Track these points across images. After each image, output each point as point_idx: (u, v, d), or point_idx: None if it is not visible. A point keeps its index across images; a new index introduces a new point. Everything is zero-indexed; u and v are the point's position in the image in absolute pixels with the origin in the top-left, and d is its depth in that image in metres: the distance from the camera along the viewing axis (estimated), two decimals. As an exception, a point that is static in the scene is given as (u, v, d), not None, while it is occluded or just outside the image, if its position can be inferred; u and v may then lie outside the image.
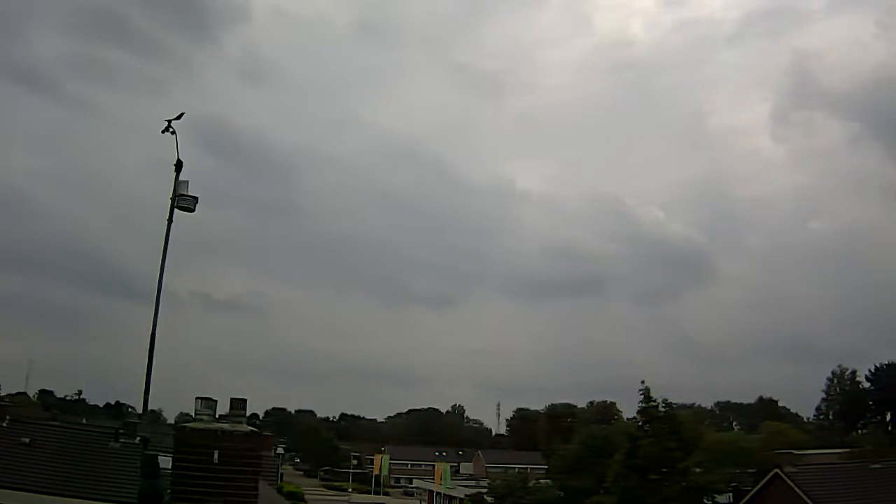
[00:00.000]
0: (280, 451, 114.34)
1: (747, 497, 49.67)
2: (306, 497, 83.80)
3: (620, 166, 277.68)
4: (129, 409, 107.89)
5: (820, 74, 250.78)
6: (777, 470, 44.87)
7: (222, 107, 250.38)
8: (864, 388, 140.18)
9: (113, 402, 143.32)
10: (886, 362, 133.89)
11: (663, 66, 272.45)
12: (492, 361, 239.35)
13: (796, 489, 42.41)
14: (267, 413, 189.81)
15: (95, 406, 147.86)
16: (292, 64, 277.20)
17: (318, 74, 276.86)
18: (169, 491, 11.40)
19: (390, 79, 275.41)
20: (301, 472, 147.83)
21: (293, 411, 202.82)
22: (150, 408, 23.79)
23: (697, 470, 62.71)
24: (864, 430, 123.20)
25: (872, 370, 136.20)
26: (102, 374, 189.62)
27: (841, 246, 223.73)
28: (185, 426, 11.40)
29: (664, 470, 58.01)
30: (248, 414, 12.25)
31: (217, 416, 11.92)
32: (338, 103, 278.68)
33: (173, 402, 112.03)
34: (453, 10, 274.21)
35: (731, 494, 64.76)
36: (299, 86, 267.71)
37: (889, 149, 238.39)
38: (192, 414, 11.86)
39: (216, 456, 10.85)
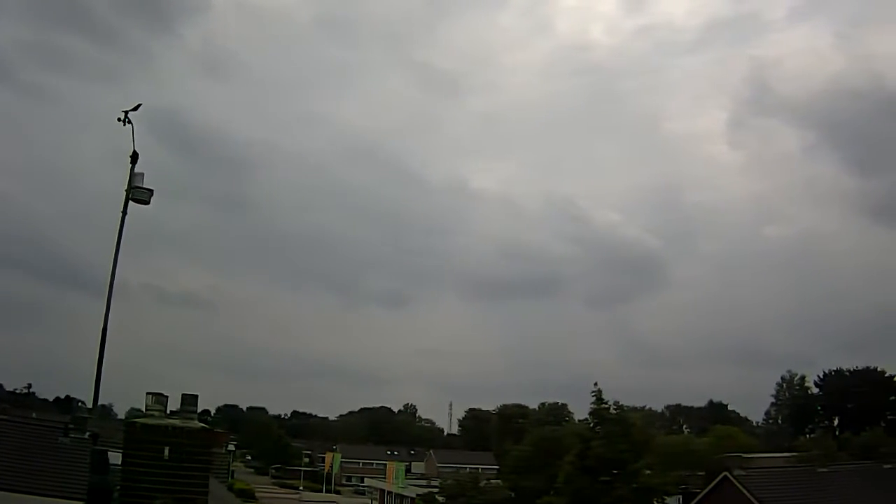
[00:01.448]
0: (231, 448, 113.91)
1: (696, 499, 50.14)
2: (257, 495, 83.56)
3: (578, 168, 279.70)
4: (80, 404, 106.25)
5: (778, 83, 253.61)
6: (726, 473, 45.27)
7: (181, 99, 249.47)
8: (812, 394, 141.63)
9: (63, 397, 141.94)
10: (835, 369, 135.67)
11: (623, 70, 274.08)
12: (445, 361, 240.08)
13: (745, 492, 42.81)
14: (218, 409, 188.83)
15: (45, 400, 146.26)
16: (252, 58, 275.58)
17: (278, 69, 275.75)
18: (119, 487, 11.30)
19: (351, 76, 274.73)
20: (252, 470, 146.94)
21: (245, 408, 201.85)
22: (100, 402, 23.61)
23: (648, 472, 63.06)
24: (812, 435, 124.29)
25: (821, 376, 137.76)
26: (53, 368, 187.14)
27: (794, 253, 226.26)
28: (135, 422, 11.32)
29: (615, 471, 58.31)
30: (199, 410, 12.20)
31: (168, 411, 11.85)
32: (297, 99, 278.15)
33: (124, 397, 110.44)
34: (415, 9, 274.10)
35: (680, 497, 65.16)
36: (259, 80, 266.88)
37: (844, 158, 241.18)
38: (144, 409, 11.79)
39: (167, 452, 10.79)
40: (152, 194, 19.22)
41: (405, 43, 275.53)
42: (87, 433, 32.17)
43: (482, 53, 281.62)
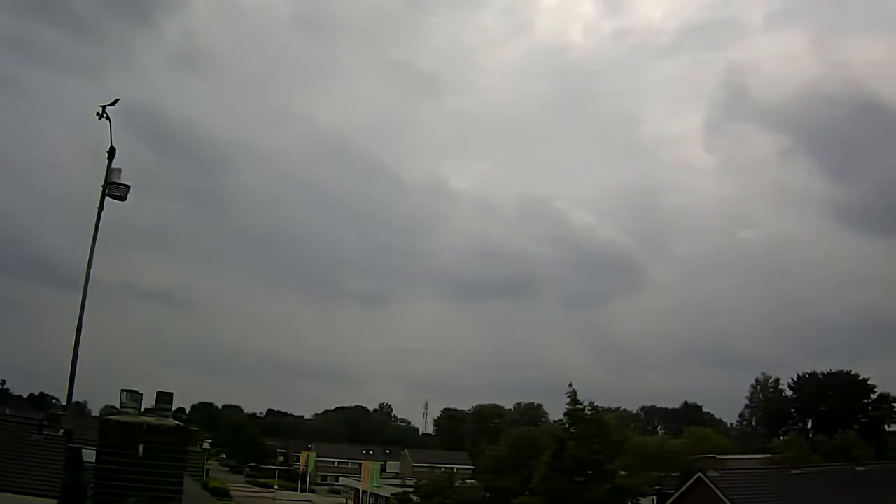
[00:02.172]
0: (206, 446, 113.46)
1: (671, 500, 50.23)
2: (232, 493, 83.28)
3: (554, 170, 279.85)
4: (54, 401, 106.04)
5: (754, 87, 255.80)
6: (700, 474, 45.43)
7: (158, 94, 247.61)
8: (786, 396, 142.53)
9: (37, 393, 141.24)
10: (808, 371, 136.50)
11: (600, 72, 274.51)
12: (421, 361, 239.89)
13: (719, 493, 42.97)
14: (194, 407, 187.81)
15: (19, 397, 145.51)
16: (231, 53, 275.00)
17: (256, 65, 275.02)
18: (92, 485, 11.22)
19: (329, 73, 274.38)
20: (227, 469, 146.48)
21: (220, 406, 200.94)
22: (74, 400, 23.46)
23: (622, 473, 63.39)
24: (785, 437, 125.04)
25: (795, 379, 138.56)
26: (27, 364, 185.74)
27: (768, 257, 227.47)
28: (109, 419, 11.22)
29: (590, 472, 58.53)
30: (174, 408, 12.13)
31: (143, 409, 11.76)
32: (275, 96, 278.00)
33: (99, 394, 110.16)
34: (394, 7, 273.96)
35: (654, 497, 65.42)
36: (237, 76, 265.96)
37: (819, 163, 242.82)
38: (118, 407, 11.70)
39: (141, 450, 10.71)
40: (129, 190, 19.13)
41: (384, 41, 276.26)
42: (61, 430, 32.05)
43: (461, 53, 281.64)
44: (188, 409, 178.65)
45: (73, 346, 18.36)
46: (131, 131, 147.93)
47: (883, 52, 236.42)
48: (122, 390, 11.78)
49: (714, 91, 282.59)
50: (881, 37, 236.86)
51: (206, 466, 77.47)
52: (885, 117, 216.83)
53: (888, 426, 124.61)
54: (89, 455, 12.29)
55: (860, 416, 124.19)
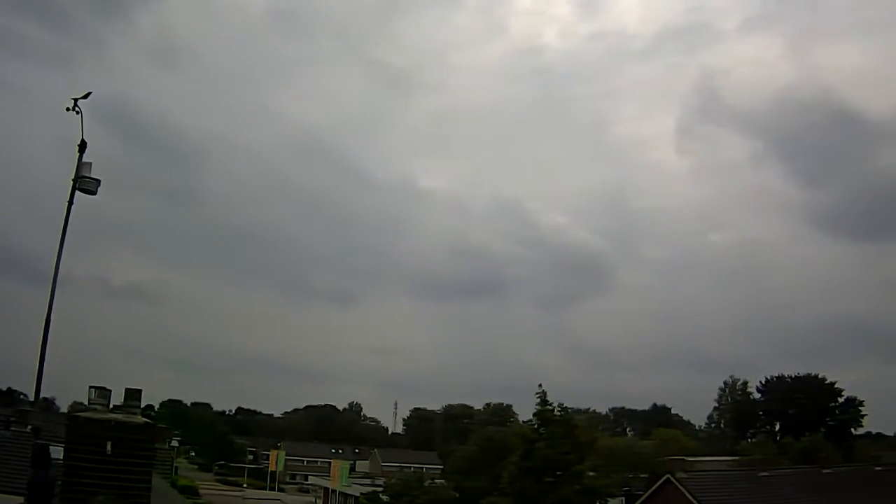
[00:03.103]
0: (175, 444, 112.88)
1: (639, 501, 50.42)
2: (200, 492, 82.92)
3: (527, 170, 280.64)
4: (21, 397, 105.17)
5: (727, 92, 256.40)
6: (669, 475, 45.59)
7: (131, 87, 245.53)
8: (754, 399, 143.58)
9: (4, 389, 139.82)
10: (777, 375, 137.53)
11: (575, 74, 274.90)
12: (391, 360, 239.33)
13: (687, 494, 43.15)
14: (162, 404, 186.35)
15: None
16: (204, 48, 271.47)
17: (230, 61, 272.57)
18: (60, 482, 11.14)
19: (302, 70, 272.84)
20: (196, 467, 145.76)
21: (189, 404, 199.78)
22: (42, 396, 23.31)
23: (591, 474, 63.42)
24: (753, 439, 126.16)
25: (763, 382, 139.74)
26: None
27: (738, 261, 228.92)
28: (78, 415, 11.16)
29: (559, 473, 58.56)
30: (143, 405, 12.06)
31: (111, 406, 11.69)
32: (248, 91, 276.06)
33: (67, 390, 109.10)
34: (369, 5, 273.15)
35: (623, 498, 65.64)
36: (210, 71, 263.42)
37: (790, 168, 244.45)
38: (86, 403, 11.63)
39: (109, 447, 10.64)
40: (99, 184, 19.00)
41: (358, 39, 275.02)
42: (29, 427, 31.78)
43: (435, 52, 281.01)
44: (157, 407, 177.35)
45: (41, 341, 18.24)
46: (103, 125, 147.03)
47: (856, 60, 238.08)
48: (91, 387, 11.71)
49: (687, 95, 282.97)
50: (855, 44, 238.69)
51: (174, 464, 76.73)
52: (856, 124, 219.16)
53: (855, 430, 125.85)
54: (57, 452, 12.19)
55: (827, 419, 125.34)
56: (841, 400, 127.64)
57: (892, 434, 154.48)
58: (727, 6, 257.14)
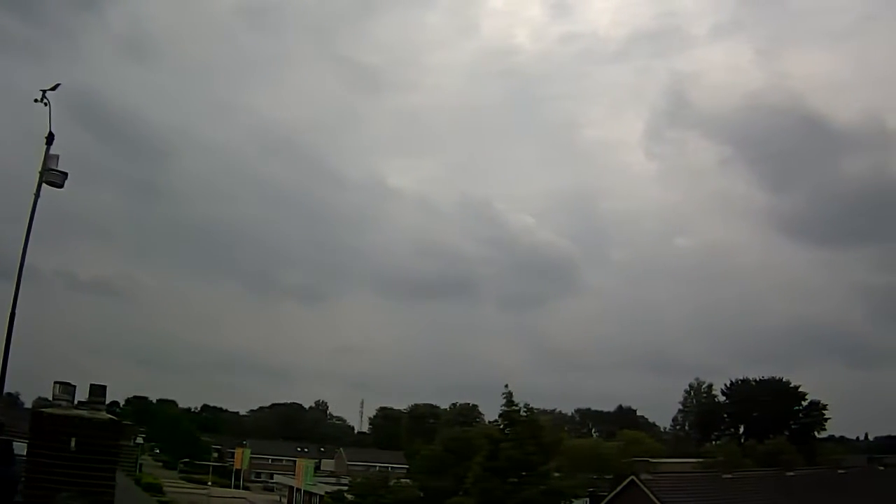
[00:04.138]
0: (140, 441, 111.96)
1: (604, 502, 50.53)
2: (165, 489, 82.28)
3: (496, 171, 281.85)
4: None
5: (697, 96, 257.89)
6: (633, 477, 45.72)
7: (100, 80, 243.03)
8: (719, 402, 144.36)
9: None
10: (741, 378, 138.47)
11: (546, 76, 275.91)
12: (358, 359, 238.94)
13: (651, 496, 43.30)
14: (128, 401, 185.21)
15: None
16: (176, 42, 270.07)
17: (200, 56, 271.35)
18: (23, 479, 11.01)
19: (273, 65, 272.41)
20: (161, 464, 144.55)
21: (155, 400, 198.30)
22: (6, 391, 23.01)
23: (556, 474, 63.82)
24: (717, 442, 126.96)
25: (727, 384, 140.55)
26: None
27: (704, 264, 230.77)
28: (42, 411, 11.03)
29: (524, 473, 58.79)
30: (108, 401, 11.96)
31: (76, 402, 11.58)
32: (218, 87, 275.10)
33: (31, 385, 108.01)
34: (341, 2, 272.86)
35: (588, 499, 65.87)
36: (180, 65, 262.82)
37: (758, 174, 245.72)
38: (51, 399, 11.51)
39: (74, 444, 10.53)
40: (66, 177, 18.82)
41: (329, 36, 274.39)
42: (-9, 422, 31.42)
43: (406, 51, 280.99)
44: (122, 403, 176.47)
45: (5, 336, 18.05)
46: (72, 117, 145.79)
47: (824, 68, 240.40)
48: (56, 382, 11.60)
49: (657, 98, 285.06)
50: (823, 52, 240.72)
51: (139, 461, 76.35)
52: (823, 131, 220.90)
53: (818, 433, 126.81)
54: (20, 448, 12.08)
55: (791, 422, 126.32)
56: (804, 403, 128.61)
57: (854, 437, 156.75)
58: (698, 11, 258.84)
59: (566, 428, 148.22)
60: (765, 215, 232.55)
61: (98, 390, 11.86)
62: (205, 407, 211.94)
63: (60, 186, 18.85)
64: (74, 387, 11.64)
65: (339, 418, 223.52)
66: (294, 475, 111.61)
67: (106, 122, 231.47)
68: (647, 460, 55.04)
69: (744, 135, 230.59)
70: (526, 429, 60.91)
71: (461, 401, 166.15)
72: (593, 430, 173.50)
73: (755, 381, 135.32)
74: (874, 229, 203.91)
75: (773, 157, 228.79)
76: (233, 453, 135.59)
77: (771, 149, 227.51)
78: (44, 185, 18.76)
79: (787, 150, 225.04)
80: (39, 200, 18.79)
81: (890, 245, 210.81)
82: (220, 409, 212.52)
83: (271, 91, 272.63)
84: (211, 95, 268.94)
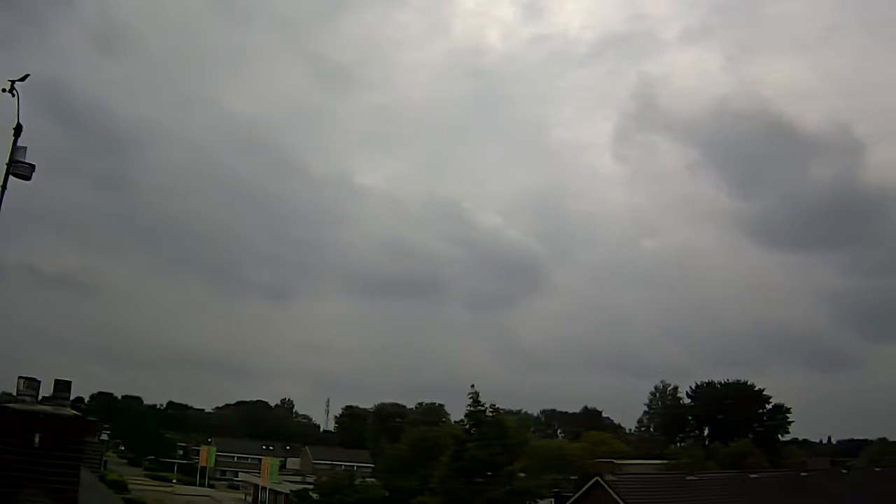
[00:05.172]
0: (104, 437, 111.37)
1: (568, 503, 50.65)
2: (130, 487, 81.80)
3: (465, 170, 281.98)
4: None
5: (665, 100, 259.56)
6: (598, 478, 45.85)
7: (69, 71, 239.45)
8: (684, 404, 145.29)
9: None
10: (706, 381, 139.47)
11: (515, 76, 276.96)
12: (324, 357, 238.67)
13: (616, 497, 43.44)
14: (92, 397, 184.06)
15: None
16: (146, 34, 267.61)
17: (170, 48, 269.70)
18: (-15, 474, 10.95)
19: (243, 61, 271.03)
20: (125, 461, 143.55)
21: (120, 397, 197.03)
22: (-32, 386, 22.88)
23: (522, 475, 63.90)
24: (682, 444, 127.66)
25: (693, 387, 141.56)
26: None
27: (670, 266, 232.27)
28: (5, 407, 11.00)
29: (489, 473, 58.87)
30: (72, 397, 11.91)
31: (40, 397, 11.54)
32: (188, 80, 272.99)
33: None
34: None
35: (553, 500, 66.06)
36: (150, 58, 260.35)
37: (725, 178, 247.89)
38: (15, 394, 11.47)
39: (38, 440, 10.50)
40: (34, 169, 18.69)
41: (300, 32, 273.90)
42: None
43: (378, 49, 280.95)
44: (87, 399, 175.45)
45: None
46: (39, 108, 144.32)
47: (792, 74, 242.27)
48: (20, 377, 11.55)
49: (626, 101, 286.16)
50: (790, 60, 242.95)
51: (103, 458, 75.85)
52: (789, 137, 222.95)
53: (782, 436, 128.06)
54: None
55: (755, 425, 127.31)
56: (769, 406, 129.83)
57: (818, 440, 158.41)
58: (669, 16, 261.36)
59: (532, 429, 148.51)
60: (732, 219, 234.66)
61: (62, 386, 11.82)
62: (170, 404, 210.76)
63: (28, 179, 18.68)
64: (39, 382, 11.60)
65: (304, 417, 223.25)
66: (259, 473, 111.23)
67: (74, 113, 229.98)
68: (612, 461, 55.22)
69: (712, 139, 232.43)
70: (492, 429, 60.96)
71: (427, 400, 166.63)
72: (559, 431, 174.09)
73: (720, 383, 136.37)
74: (840, 234, 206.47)
75: (740, 161, 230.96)
76: (198, 451, 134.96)
77: (738, 153, 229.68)
78: (11, 177, 18.62)
79: (755, 155, 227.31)
80: (6, 193, 18.64)
81: (855, 250, 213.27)
82: (186, 406, 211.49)
83: (241, 85, 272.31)
84: (180, 89, 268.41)
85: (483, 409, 62.68)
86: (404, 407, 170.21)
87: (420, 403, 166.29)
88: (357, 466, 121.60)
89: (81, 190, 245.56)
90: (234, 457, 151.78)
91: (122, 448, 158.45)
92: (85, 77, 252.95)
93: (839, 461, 64.58)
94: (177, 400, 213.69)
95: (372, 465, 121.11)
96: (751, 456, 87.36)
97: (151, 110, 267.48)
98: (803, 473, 56.56)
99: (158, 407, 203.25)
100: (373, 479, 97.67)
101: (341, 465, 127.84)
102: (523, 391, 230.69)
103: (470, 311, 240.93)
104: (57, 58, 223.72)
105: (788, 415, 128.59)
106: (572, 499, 50.01)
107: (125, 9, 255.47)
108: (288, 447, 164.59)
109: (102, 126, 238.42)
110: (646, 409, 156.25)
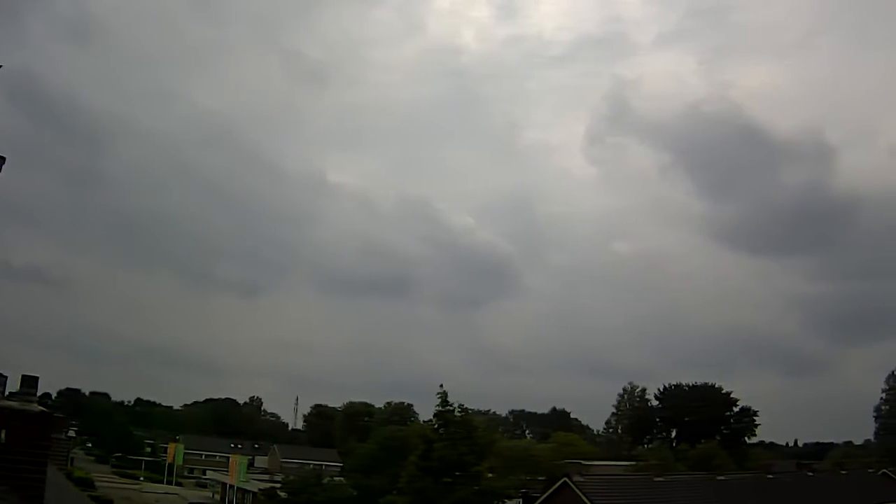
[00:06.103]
0: (72, 434, 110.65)
1: (536, 503, 50.85)
2: (96, 484, 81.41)
3: (437, 170, 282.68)
4: None
5: (638, 103, 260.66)
6: (566, 478, 46.04)
7: (41, 63, 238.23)
8: (652, 406, 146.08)
9: None
10: (674, 383, 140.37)
11: (489, 76, 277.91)
12: (294, 355, 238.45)
13: (583, 498, 43.64)
14: (60, 393, 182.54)
15: None
16: (119, 26, 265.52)
17: (143, 42, 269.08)
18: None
19: (216, 56, 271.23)
20: (93, 458, 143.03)
21: (87, 393, 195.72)
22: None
23: (490, 475, 64.06)
24: (650, 445, 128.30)
25: (661, 389, 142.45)
26: None
27: (640, 269, 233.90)
28: (-28, 402, 10.99)
29: (457, 473, 59.01)
30: (39, 393, 11.91)
31: (6, 393, 11.56)
32: (160, 74, 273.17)
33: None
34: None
35: (520, 500, 66.30)
36: (123, 51, 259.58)
37: (696, 182, 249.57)
38: (-19, 390, 11.47)
39: (3, 436, 10.50)
40: (4, 162, 18.65)
41: (275, 28, 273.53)
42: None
43: (352, 47, 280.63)
44: (54, 395, 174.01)
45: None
46: (11, 101, 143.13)
47: (766, 80, 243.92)
48: (-14, 373, 11.55)
49: (599, 104, 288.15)
50: (763, 65, 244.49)
51: (70, 455, 75.59)
52: (761, 142, 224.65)
53: (748, 438, 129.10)
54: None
55: (722, 427, 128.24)
56: (736, 409, 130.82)
57: (784, 443, 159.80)
58: (644, 19, 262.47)
59: (500, 429, 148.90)
60: (703, 223, 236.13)
61: (29, 381, 11.83)
62: (138, 401, 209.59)
63: (-2, 171, 18.67)
64: (5, 377, 11.63)
65: (273, 415, 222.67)
66: (228, 471, 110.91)
67: (45, 104, 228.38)
68: (580, 462, 55.61)
69: (684, 143, 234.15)
70: (460, 429, 61.08)
71: (396, 400, 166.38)
72: (527, 432, 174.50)
73: (688, 386, 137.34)
74: (810, 239, 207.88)
75: (712, 165, 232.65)
76: (166, 448, 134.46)
77: (710, 157, 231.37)
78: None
79: (727, 159, 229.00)
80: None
81: (824, 255, 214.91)
82: (154, 403, 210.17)
83: (214, 81, 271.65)
84: (151, 83, 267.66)
85: (452, 409, 62.82)
86: (373, 406, 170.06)
87: (389, 403, 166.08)
88: (325, 465, 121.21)
89: (51, 183, 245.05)
90: (202, 454, 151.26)
91: (90, 445, 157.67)
92: (56, 68, 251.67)
93: (805, 464, 64.99)
94: (145, 397, 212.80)
95: (340, 464, 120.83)
96: (717, 458, 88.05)
97: (124, 104, 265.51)
98: (769, 476, 57.19)
99: (126, 403, 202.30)
100: (341, 479, 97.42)
101: (310, 463, 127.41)
102: (493, 391, 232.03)
103: (441, 311, 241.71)
104: (29, 50, 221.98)
105: (755, 417, 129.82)
106: (540, 499, 50.21)
107: (99, 1, 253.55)
108: (256, 445, 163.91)
109: (73, 117, 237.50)
110: (614, 410, 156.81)
